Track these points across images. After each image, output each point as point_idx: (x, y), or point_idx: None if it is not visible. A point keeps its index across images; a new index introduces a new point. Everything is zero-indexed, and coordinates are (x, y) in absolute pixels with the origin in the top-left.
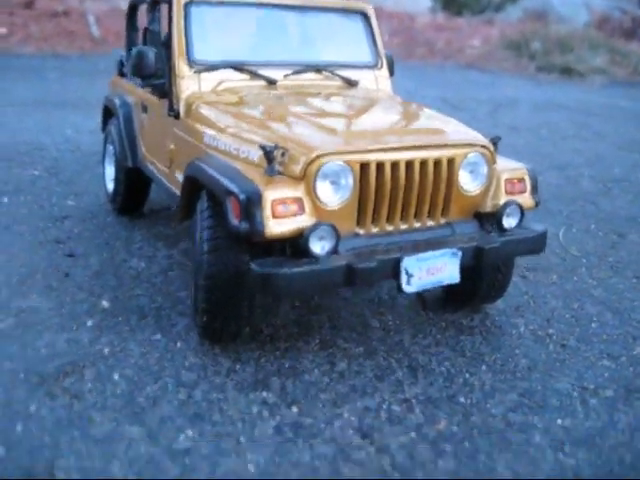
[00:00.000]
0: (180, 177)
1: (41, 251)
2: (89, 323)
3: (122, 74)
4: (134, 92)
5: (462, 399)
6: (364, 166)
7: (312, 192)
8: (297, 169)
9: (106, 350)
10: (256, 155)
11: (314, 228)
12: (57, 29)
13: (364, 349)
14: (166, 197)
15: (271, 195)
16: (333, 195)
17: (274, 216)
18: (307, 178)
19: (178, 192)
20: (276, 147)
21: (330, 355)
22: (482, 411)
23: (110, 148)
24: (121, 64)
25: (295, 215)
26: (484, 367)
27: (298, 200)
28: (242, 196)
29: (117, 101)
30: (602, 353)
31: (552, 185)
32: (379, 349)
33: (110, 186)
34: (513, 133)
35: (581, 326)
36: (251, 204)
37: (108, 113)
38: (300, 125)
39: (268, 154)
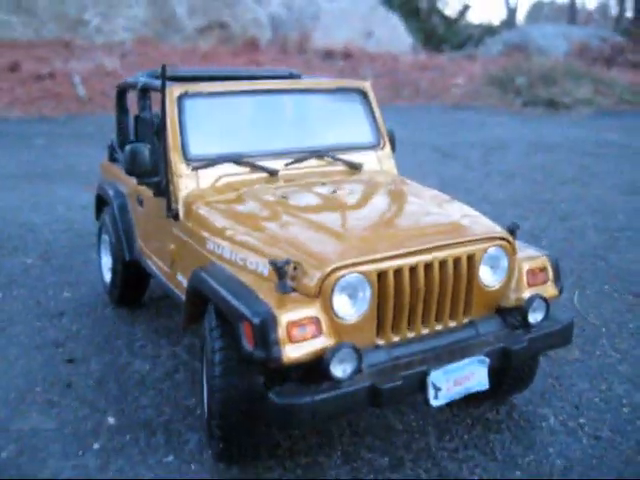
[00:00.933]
0: (183, 280)
1: (39, 357)
2: (95, 446)
3: (113, 159)
4: (128, 182)
5: None
6: (381, 274)
7: (328, 308)
8: (311, 284)
9: None
10: (266, 268)
11: (334, 351)
12: (43, 92)
13: (389, 460)
14: (167, 294)
15: (286, 318)
16: (350, 309)
17: (290, 340)
18: (323, 294)
19: (181, 294)
20: (287, 262)
21: (355, 470)
22: None
23: (105, 237)
24: (112, 148)
25: (313, 337)
26: (518, 473)
27: (314, 320)
28: (255, 320)
29: (111, 191)
30: (638, 444)
31: (558, 240)
32: (405, 458)
33: (107, 277)
34: (509, 181)
35: (612, 411)
36: (265, 329)
37: (102, 201)
38: (308, 230)
39: (279, 270)
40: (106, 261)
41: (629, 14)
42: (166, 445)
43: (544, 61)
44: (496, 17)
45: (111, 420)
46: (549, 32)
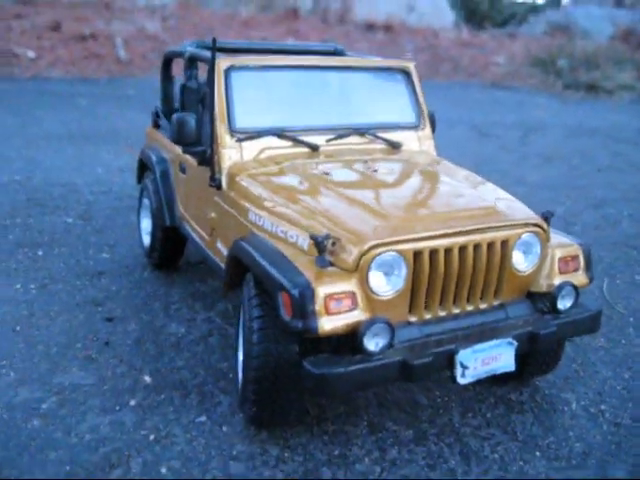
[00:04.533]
0: (222, 249)
1: (79, 314)
2: (132, 402)
3: (157, 125)
4: (171, 149)
5: None
6: (417, 254)
7: (365, 284)
8: (349, 260)
9: (151, 436)
10: (305, 242)
11: (369, 325)
12: (85, 52)
13: (414, 432)
14: (204, 260)
15: (323, 290)
16: (386, 285)
17: (327, 313)
18: (360, 269)
19: (220, 262)
20: (327, 237)
21: (380, 440)
22: None
23: (146, 202)
24: (156, 115)
25: (348, 311)
26: (538, 453)
27: (351, 294)
28: (294, 292)
29: (154, 157)
30: None
31: (591, 227)
32: (429, 432)
33: (146, 240)
34: (545, 164)
35: (634, 400)
36: (304, 300)
37: (144, 166)
38: (348, 206)
39: (319, 244)
40: (146, 225)
41: None
42: (199, 406)
43: (587, 44)
44: None
45: (147, 379)
46: (594, 14)
